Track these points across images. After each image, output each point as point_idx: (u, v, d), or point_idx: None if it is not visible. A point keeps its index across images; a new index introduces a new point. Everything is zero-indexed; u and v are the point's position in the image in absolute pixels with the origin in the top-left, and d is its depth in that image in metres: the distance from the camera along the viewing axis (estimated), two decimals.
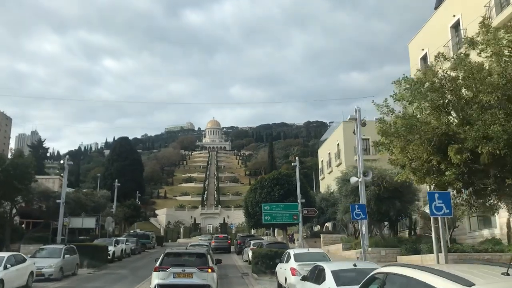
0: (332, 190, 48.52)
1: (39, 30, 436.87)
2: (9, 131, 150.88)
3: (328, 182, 52.46)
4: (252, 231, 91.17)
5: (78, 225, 36.98)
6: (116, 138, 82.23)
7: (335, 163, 53.81)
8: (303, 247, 26.56)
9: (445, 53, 21.65)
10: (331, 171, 56.27)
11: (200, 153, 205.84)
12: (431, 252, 23.34)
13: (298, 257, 14.96)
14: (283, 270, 15.44)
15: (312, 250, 16.65)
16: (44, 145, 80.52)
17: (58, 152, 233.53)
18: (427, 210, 23.33)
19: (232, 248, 43.98)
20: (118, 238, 36.23)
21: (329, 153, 57.21)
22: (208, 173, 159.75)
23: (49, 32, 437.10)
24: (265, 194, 39.05)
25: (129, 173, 72.66)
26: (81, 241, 36.02)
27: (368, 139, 52.14)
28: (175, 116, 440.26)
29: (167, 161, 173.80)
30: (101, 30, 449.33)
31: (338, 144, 53.31)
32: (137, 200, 63.92)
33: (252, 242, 29.93)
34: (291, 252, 15.75)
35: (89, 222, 38.08)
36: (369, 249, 20.01)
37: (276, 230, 58.88)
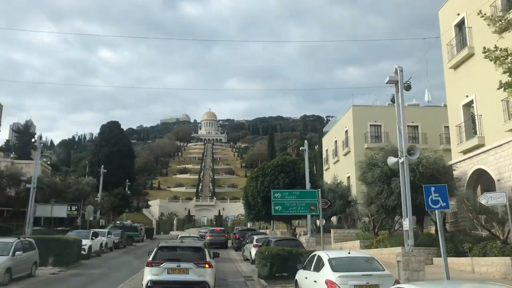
0: (338, 181, 43.62)
1: (34, 19, 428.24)
2: (0, 119, 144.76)
3: (334, 172, 47.37)
4: (249, 224, 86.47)
5: (45, 214, 31.74)
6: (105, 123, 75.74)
7: (342, 151, 48.85)
8: (324, 248, 21.51)
9: (493, 14, 16.97)
10: (337, 161, 51.12)
11: (196, 145, 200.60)
12: (485, 254, 18.57)
13: (337, 265, 9.87)
14: (313, 282, 10.40)
15: (355, 253, 11.40)
16: (31, 131, 74.75)
17: (51, 142, 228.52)
18: (484, 201, 18.47)
19: (229, 243, 38.99)
20: (97, 230, 31.05)
21: (335, 141, 52.11)
22: (203, 164, 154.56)
23: (45, 21, 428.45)
24: (268, 182, 34.04)
25: (118, 160, 67.06)
26: (58, 232, 31.00)
27: (380, 125, 47.29)
28: (171, 108, 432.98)
29: (162, 152, 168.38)
30: (98, 20, 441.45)
31: (346, 131, 48.28)
32: (126, 189, 58.66)
33: (255, 237, 24.85)
34: (324, 256, 10.59)
35: (60, 211, 32.66)
36: (410, 248, 14.93)
37: (273, 223, 53.93)
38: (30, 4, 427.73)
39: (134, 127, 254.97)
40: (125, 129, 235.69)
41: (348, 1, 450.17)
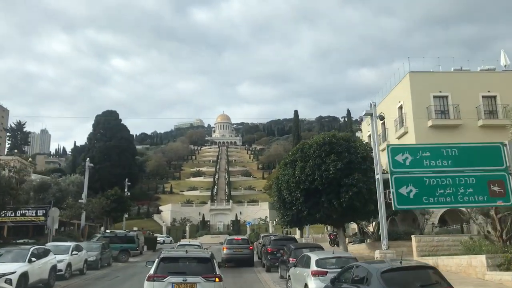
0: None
1: (48, 30, 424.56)
2: (5, 123, 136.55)
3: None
4: (271, 229, 74.37)
5: None
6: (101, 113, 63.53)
7: (395, 134, 37.16)
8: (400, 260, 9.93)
9: None
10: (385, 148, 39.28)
11: (210, 148, 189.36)
12: None
13: None
14: None
15: None
16: (24, 130, 64.94)
17: (64, 149, 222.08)
18: None
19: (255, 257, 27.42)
20: (48, 245, 19.75)
21: (383, 123, 40.37)
22: (218, 167, 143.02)
23: (58, 32, 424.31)
24: (311, 169, 22.52)
25: (116, 156, 55.78)
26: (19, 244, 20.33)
27: (447, 96, 35.52)
28: (184, 115, 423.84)
29: (175, 155, 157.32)
30: (109, 29, 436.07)
31: (400, 107, 36.57)
32: (125, 190, 47.38)
33: (313, 257, 12.83)
34: None
35: None
36: None
37: (307, 228, 42.48)
38: (42, 15, 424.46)
39: (148, 133, 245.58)
40: (138, 134, 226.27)
41: (358, 2, 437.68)
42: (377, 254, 18.84)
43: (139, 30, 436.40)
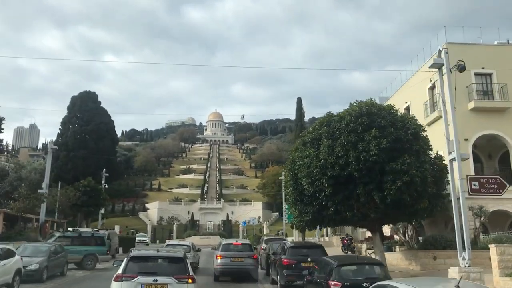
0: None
1: (40, 25, 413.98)
2: None
3: None
4: (265, 230, 67.43)
5: None
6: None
7: (424, 120, 30.63)
8: None
9: None
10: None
11: (201, 146, 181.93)
12: None
13: None
14: None
15: None
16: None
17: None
18: None
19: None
20: None
21: (407, 108, 33.87)
22: (209, 164, 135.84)
23: (51, 28, 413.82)
24: (342, 148, 15.93)
25: (93, 142, 48.28)
26: None
27: (491, 74, 29.23)
28: (176, 113, 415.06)
29: (164, 152, 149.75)
30: (102, 26, 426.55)
31: (432, 87, 30.11)
32: (102, 182, 40.18)
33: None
34: None
35: None
36: None
37: (326, 230, 36.10)
38: (35, 11, 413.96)
39: (139, 129, 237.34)
40: (127, 130, 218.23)
41: (352, 6, 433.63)
42: (454, 273, 12.26)
43: (133, 28, 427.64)
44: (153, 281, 9.39)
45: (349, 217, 16.61)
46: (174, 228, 74.45)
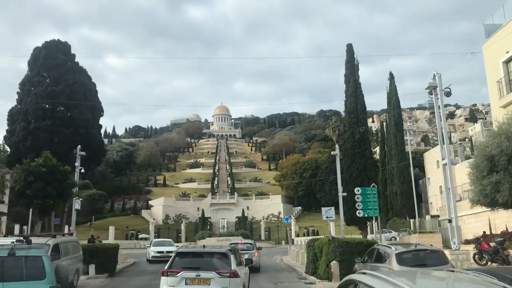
0: None
1: (41, 27, 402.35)
2: None
3: None
4: (293, 228, 53.56)
5: None
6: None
7: (498, 102, 18.06)
8: None
9: None
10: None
11: (208, 141, 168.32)
12: None
13: None
14: None
15: None
16: None
17: None
18: None
19: None
20: None
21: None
22: (218, 158, 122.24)
23: (51, 30, 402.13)
24: None
25: (65, 109, 33.89)
26: None
27: None
28: (180, 112, 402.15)
29: (169, 146, 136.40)
30: (103, 26, 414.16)
31: (508, 61, 16.68)
32: (76, 164, 26.31)
33: None
34: None
35: None
36: None
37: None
38: (35, 13, 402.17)
39: (143, 126, 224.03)
40: (131, 126, 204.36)
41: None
42: None
43: (133, 28, 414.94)
44: (196, 275, 9.60)
45: None
46: (182, 227, 61.08)
